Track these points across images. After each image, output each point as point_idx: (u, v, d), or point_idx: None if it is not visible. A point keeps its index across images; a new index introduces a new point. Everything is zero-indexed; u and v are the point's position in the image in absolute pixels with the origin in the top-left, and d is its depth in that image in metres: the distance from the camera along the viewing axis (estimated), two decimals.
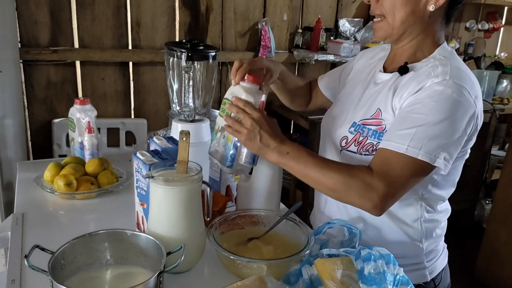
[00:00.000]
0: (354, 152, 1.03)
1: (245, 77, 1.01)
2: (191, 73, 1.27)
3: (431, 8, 0.97)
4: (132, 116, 2.47)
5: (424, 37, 1.02)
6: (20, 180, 1.36)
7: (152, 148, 1.11)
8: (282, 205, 1.25)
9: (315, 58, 2.67)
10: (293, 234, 1.03)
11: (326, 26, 2.81)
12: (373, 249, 0.86)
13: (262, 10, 2.63)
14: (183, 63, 1.25)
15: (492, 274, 2.59)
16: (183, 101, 1.32)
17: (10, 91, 1.99)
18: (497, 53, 3.67)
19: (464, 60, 3.23)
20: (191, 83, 1.28)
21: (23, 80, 2.13)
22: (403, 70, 1.01)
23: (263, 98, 1.00)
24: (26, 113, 2.20)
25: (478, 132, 1.00)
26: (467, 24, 3.42)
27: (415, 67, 1.00)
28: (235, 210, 1.18)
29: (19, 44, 2.08)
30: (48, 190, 1.26)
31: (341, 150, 1.06)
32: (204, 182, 0.95)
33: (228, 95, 1.03)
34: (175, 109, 1.35)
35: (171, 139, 1.12)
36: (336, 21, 2.88)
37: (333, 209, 1.13)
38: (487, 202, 3.22)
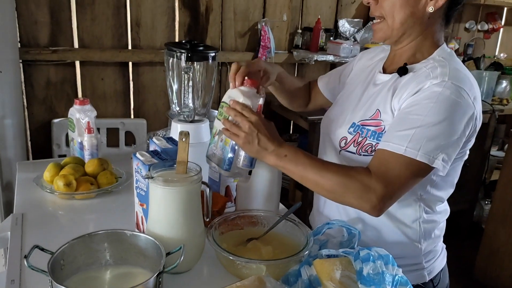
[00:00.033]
0: (353, 153, 1.03)
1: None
2: (191, 74, 1.27)
3: (430, 9, 0.98)
4: (132, 117, 2.46)
5: (423, 38, 1.02)
6: (20, 180, 1.36)
7: (151, 148, 1.11)
8: (281, 206, 1.26)
9: (315, 59, 2.66)
10: (292, 235, 1.03)
11: (326, 26, 2.81)
12: (372, 249, 0.86)
13: (262, 10, 2.62)
14: (183, 64, 1.25)
15: (491, 275, 2.59)
16: (182, 102, 1.32)
17: (10, 91, 1.99)
18: (496, 53, 3.68)
19: (464, 61, 3.24)
20: (190, 83, 1.28)
21: (22, 80, 2.13)
22: (402, 71, 1.01)
23: (261, 101, 1.00)
24: (26, 113, 2.19)
25: (477, 133, 1.00)
26: (467, 25, 3.42)
27: (414, 68, 1.00)
28: (234, 211, 1.18)
29: (19, 44, 2.08)
30: (48, 190, 1.26)
31: (340, 150, 1.07)
32: (203, 183, 0.95)
33: (226, 98, 1.03)
34: (174, 110, 1.35)
35: (170, 140, 1.12)
36: (336, 22, 2.88)
37: (332, 209, 1.13)
38: (486, 202, 3.23)
